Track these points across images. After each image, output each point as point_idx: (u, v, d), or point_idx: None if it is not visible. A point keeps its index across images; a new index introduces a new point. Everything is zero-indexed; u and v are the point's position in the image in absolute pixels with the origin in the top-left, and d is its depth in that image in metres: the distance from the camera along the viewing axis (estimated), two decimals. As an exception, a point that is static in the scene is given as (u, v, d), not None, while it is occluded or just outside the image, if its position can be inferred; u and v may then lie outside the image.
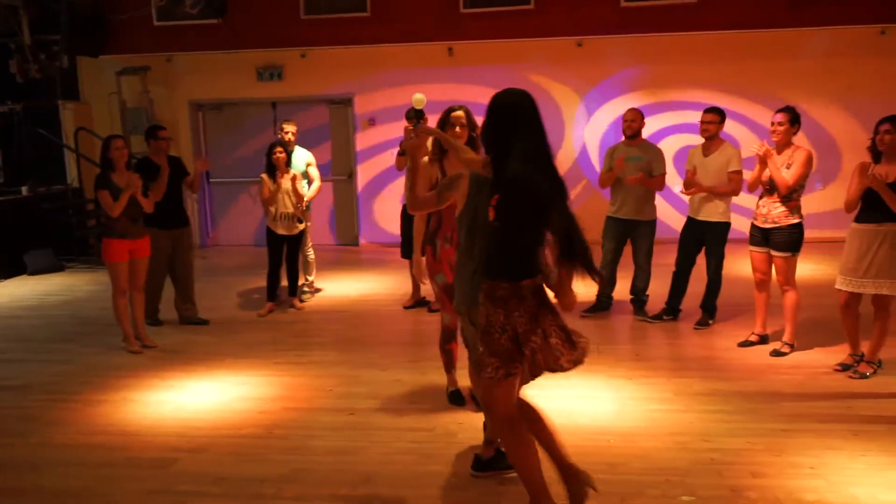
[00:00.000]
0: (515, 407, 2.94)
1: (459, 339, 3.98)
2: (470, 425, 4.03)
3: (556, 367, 2.77)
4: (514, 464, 3.00)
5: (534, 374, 2.88)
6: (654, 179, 5.87)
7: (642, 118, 5.99)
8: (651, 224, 6.00)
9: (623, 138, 6.08)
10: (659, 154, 5.95)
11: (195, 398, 4.61)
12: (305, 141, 7.47)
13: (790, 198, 4.96)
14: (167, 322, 6.28)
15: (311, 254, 7.01)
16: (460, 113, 3.91)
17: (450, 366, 4.35)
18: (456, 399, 4.32)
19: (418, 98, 5.97)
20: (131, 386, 4.83)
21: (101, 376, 5.02)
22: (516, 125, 2.77)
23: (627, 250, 6.13)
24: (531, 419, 3.00)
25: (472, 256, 2.98)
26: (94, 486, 3.48)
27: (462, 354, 3.71)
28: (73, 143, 9.85)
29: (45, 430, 4.16)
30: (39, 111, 9.94)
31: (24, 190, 9.21)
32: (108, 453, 3.83)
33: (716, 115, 5.59)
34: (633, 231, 5.99)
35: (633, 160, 5.86)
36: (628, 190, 5.87)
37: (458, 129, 3.88)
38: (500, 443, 3.27)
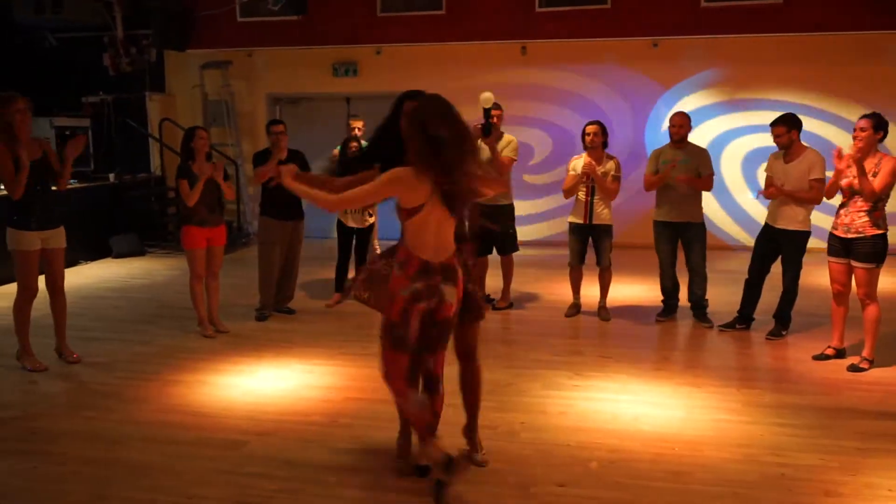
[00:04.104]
0: None
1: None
2: (531, 425, 4.04)
3: None
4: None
5: None
6: (702, 180, 5.89)
7: (690, 123, 6.02)
8: (702, 226, 5.99)
9: (669, 141, 6.07)
10: (705, 155, 5.99)
11: (264, 383, 4.76)
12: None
13: (875, 207, 4.76)
14: (238, 306, 6.46)
15: (378, 247, 7.11)
16: None
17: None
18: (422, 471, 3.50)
19: (486, 97, 5.99)
20: (204, 369, 5.02)
21: (177, 358, 5.24)
22: None
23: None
24: None
25: None
26: (168, 462, 3.64)
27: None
28: (158, 134, 10.30)
29: (125, 406, 4.37)
30: (127, 102, 10.42)
31: (112, 177, 9.67)
32: (182, 432, 3.99)
33: (782, 127, 5.39)
34: (685, 234, 5.94)
35: (681, 163, 5.87)
36: (676, 193, 5.86)
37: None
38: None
